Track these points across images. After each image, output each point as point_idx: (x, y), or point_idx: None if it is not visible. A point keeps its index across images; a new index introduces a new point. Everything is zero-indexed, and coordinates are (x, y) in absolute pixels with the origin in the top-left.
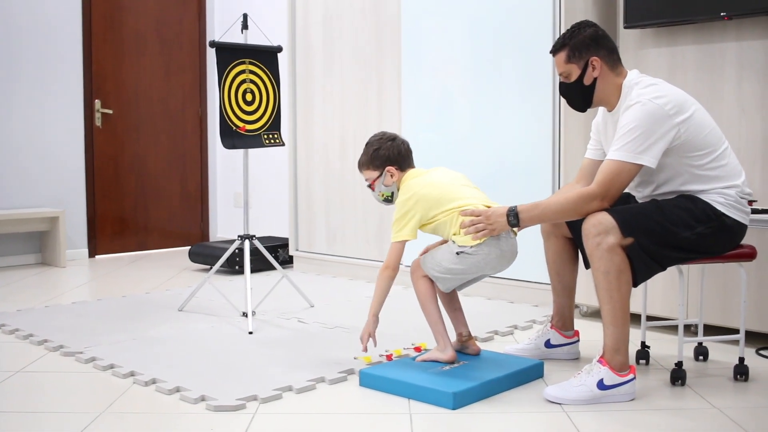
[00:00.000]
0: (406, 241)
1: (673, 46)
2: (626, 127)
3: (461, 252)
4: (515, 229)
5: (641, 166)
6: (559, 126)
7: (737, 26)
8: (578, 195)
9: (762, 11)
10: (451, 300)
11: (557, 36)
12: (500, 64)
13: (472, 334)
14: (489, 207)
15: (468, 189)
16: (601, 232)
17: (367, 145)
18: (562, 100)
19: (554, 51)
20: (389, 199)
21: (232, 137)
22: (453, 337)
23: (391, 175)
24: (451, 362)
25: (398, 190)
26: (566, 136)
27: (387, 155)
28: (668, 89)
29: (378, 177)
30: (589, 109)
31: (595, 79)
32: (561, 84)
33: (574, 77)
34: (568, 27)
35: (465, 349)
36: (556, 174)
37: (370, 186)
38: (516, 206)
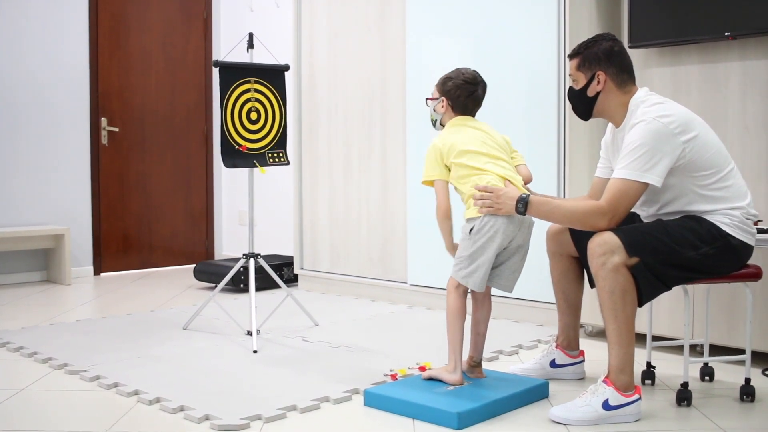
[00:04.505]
0: (439, 180)
1: (677, 66)
2: (631, 146)
3: (472, 229)
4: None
5: (647, 184)
6: (564, 145)
7: (741, 46)
8: (589, 207)
9: (766, 31)
10: (478, 324)
11: (561, 56)
12: (504, 84)
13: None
14: (506, 181)
15: (491, 164)
16: (607, 251)
17: (455, 69)
18: (567, 118)
19: (570, 56)
20: (432, 123)
21: (233, 156)
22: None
23: (442, 106)
24: (457, 385)
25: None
26: (571, 156)
27: (448, 90)
28: (674, 108)
29: (436, 99)
30: (597, 125)
31: (597, 93)
32: (570, 88)
33: (579, 85)
34: (572, 46)
35: (470, 374)
36: (561, 194)
37: (428, 99)
38: (529, 195)
